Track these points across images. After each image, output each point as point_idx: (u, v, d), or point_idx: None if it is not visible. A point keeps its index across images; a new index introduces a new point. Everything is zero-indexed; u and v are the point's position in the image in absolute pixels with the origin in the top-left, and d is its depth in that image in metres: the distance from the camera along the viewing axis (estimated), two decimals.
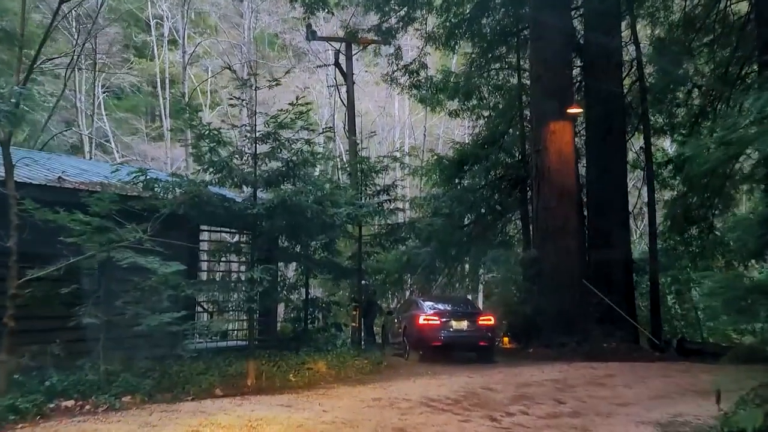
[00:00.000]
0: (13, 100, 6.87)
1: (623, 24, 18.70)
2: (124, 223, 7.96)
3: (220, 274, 12.75)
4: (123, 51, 34.99)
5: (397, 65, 20.21)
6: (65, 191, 8.69)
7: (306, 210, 8.76)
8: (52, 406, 6.75)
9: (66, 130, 25.95)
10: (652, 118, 19.52)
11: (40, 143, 22.25)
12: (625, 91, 19.11)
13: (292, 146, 9.06)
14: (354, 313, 14.29)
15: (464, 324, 13.10)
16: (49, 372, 7.37)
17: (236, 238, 10.79)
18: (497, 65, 20.87)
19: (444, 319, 13.03)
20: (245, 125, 8.95)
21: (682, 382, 10.83)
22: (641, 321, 17.28)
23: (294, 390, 8.81)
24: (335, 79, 20.90)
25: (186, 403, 7.43)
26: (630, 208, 18.84)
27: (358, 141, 14.77)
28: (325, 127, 10.31)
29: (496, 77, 21.12)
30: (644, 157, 19.61)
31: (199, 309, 12.29)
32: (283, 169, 9.17)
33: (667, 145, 24.09)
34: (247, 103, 9.50)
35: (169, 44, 34.89)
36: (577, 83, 18.66)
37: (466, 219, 18.73)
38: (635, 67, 19.26)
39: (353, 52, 18.02)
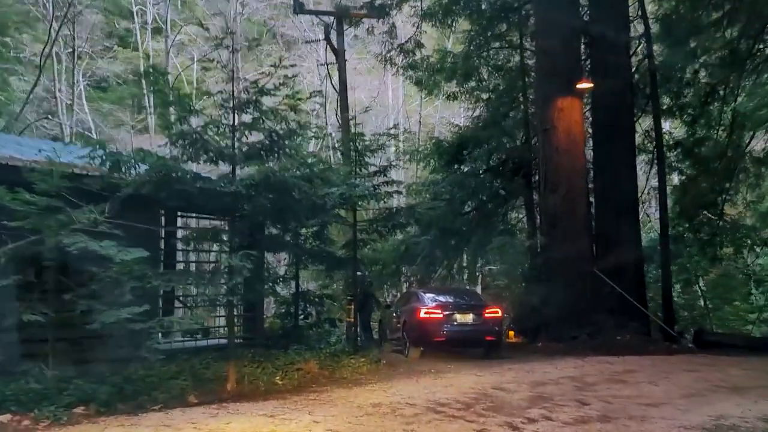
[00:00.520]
0: None
1: None
2: (82, 205, 6.83)
3: (203, 264, 11.61)
4: (105, 39, 33.67)
5: (391, 44, 19.05)
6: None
7: (293, 188, 7.63)
8: None
9: (41, 119, 24.60)
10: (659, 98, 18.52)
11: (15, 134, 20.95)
12: (633, 69, 18.10)
13: (276, 117, 7.90)
14: (349, 307, 13.16)
15: (469, 317, 12.02)
16: None
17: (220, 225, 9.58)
18: (497, 44, 19.73)
19: (447, 313, 11.94)
20: (221, 91, 7.76)
21: (711, 377, 9.97)
22: (651, 312, 16.33)
23: (281, 395, 7.70)
24: (326, 58, 19.72)
25: (150, 413, 6.30)
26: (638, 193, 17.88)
27: (351, 116, 13.59)
28: (314, 91, 9.11)
29: (496, 57, 19.99)
30: (654, 137, 18.71)
31: (178, 304, 11.18)
32: (267, 142, 8.02)
33: (669, 127, 23.11)
34: (223, 67, 8.31)
35: (154, 33, 33.60)
36: (583, 62, 17.56)
37: (466, 206, 17.59)
38: (642, 44, 18.27)
39: (345, 29, 16.84)
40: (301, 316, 12.73)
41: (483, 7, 18.44)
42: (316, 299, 12.46)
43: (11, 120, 23.89)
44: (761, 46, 17.37)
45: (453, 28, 19.87)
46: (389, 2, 18.01)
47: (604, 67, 16.08)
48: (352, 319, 12.27)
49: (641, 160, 19.82)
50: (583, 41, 17.59)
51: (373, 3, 17.78)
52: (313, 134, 10.01)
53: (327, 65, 17.87)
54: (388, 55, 19.37)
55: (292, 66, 7.93)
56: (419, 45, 19.36)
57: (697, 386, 9.26)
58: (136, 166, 7.36)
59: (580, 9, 17.53)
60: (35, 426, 5.56)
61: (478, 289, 23.26)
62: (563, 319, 13.68)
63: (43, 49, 23.03)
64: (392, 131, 12.29)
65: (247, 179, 7.40)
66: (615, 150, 16.06)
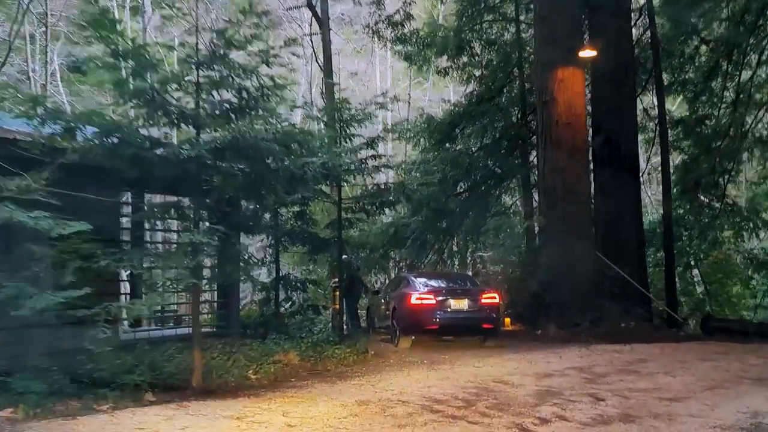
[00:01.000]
0: None
1: None
2: (23, 174, 5.77)
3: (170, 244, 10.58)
4: (81, 18, 32.16)
5: (379, 15, 17.99)
6: None
7: (267, 154, 6.58)
8: None
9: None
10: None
11: None
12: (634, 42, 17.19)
13: (247, 73, 6.83)
14: (334, 293, 12.18)
15: (464, 303, 11.08)
16: None
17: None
18: (490, 17, 18.72)
19: (440, 298, 11.00)
20: (184, 44, 6.69)
21: (731, 368, 9.19)
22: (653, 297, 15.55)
23: (253, 392, 6.70)
24: (310, 29, 18.60)
25: (93, 415, 5.27)
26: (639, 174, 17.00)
27: (336, 83, 12.56)
28: (288, 39, 7.95)
29: (489, 31, 18.99)
30: (655, 115, 17.90)
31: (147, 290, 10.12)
32: (236, 102, 6.96)
33: (668, 106, 22.27)
34: (185, 15, 7.20)
35: (132, 12, 32.15)
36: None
37: (459, 187, 16.60)
38: (644, 15, 17.37)
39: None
40: (289, 304, 11.76)
41: None
42: (299, 284, 11.44)
43: None
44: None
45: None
46: None
47: (606, 37, 15.09)
48: (337, 306, 11.30)
49: (641, 139, 18.99)
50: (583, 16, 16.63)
51: None
52: (292, 103, 8.89)
53: (311, 35, 16.74)
54: (376, 27, 18.35)
55: (264, 14, 6.81)
56: (408, 17, 18.32)
57: (717, 377, 8.46)
58: (81, 128, 6.29)
59: None
60: None
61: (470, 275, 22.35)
62: (564, 304, 12.81)
63: (12, 26, 21.66)
64: (380, 99, 11.18)
65: (211, 142, 6.34)
66: (617, 126, 15.12)
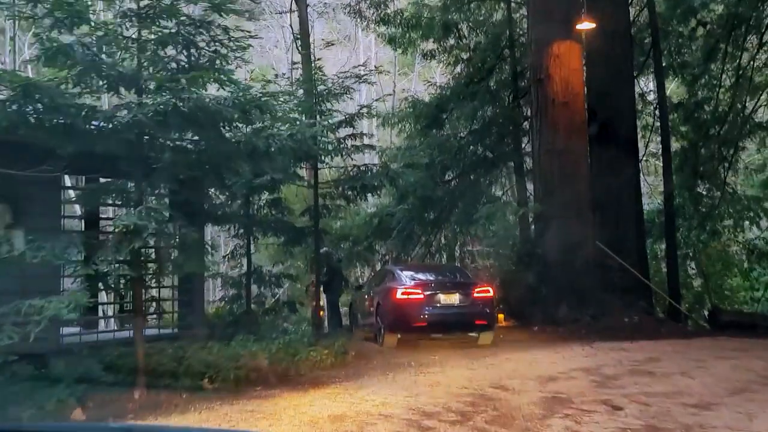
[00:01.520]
0: None
1: None
2: None
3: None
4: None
5: None
6: None
7: (219, 120, 5.48)
8: None
9: None
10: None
11: None
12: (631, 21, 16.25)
13: (199, 29, 5.74)
14: (312, 288, 11.09)
15: (455, 298, 10.05)
16: None
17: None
18: None
19: (429, 292, 9.96)
20: None
21: (753, 366, 8.33)
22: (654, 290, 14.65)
23: (208, 404, 5.62)
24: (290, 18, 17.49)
25: None
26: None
27: (312, 54, 11.46)
28: None
29: (477, 12, 17.98)
30: (653, 99, 17.04)
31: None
32: (185, 63, 5.85)
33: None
34: None
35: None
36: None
37: (448, 175, 15.54)
38: None
39: None
40: (271, 302, 10.71)
41: None
42: (273, 279, 10.35)
43: None
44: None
45: None
46: None
47: (602, 15, 14.12)
48: (314, 302, 10.25)
49: (639, 123, 18.10)
50: None
51: None
52: (253, 70, 7.79)
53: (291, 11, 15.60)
54: (358, 6, 17.29)
55: None
56: None
57: (741, 378, 7.57)
58: None
59: None
60: None
61: None
62: (563, 299, 11.85)
63: None
64: (359, 70, 10.08)
65: (152, 105, 5.22)
66: (615, 109, 14.17)
